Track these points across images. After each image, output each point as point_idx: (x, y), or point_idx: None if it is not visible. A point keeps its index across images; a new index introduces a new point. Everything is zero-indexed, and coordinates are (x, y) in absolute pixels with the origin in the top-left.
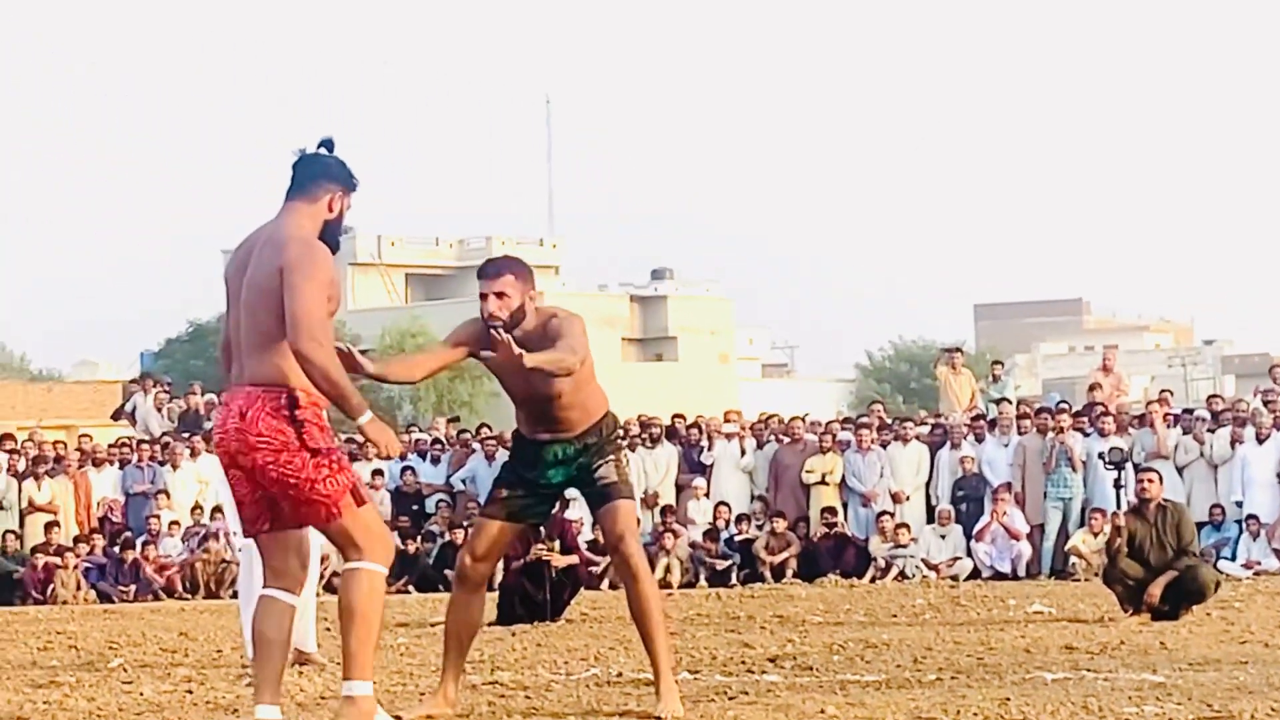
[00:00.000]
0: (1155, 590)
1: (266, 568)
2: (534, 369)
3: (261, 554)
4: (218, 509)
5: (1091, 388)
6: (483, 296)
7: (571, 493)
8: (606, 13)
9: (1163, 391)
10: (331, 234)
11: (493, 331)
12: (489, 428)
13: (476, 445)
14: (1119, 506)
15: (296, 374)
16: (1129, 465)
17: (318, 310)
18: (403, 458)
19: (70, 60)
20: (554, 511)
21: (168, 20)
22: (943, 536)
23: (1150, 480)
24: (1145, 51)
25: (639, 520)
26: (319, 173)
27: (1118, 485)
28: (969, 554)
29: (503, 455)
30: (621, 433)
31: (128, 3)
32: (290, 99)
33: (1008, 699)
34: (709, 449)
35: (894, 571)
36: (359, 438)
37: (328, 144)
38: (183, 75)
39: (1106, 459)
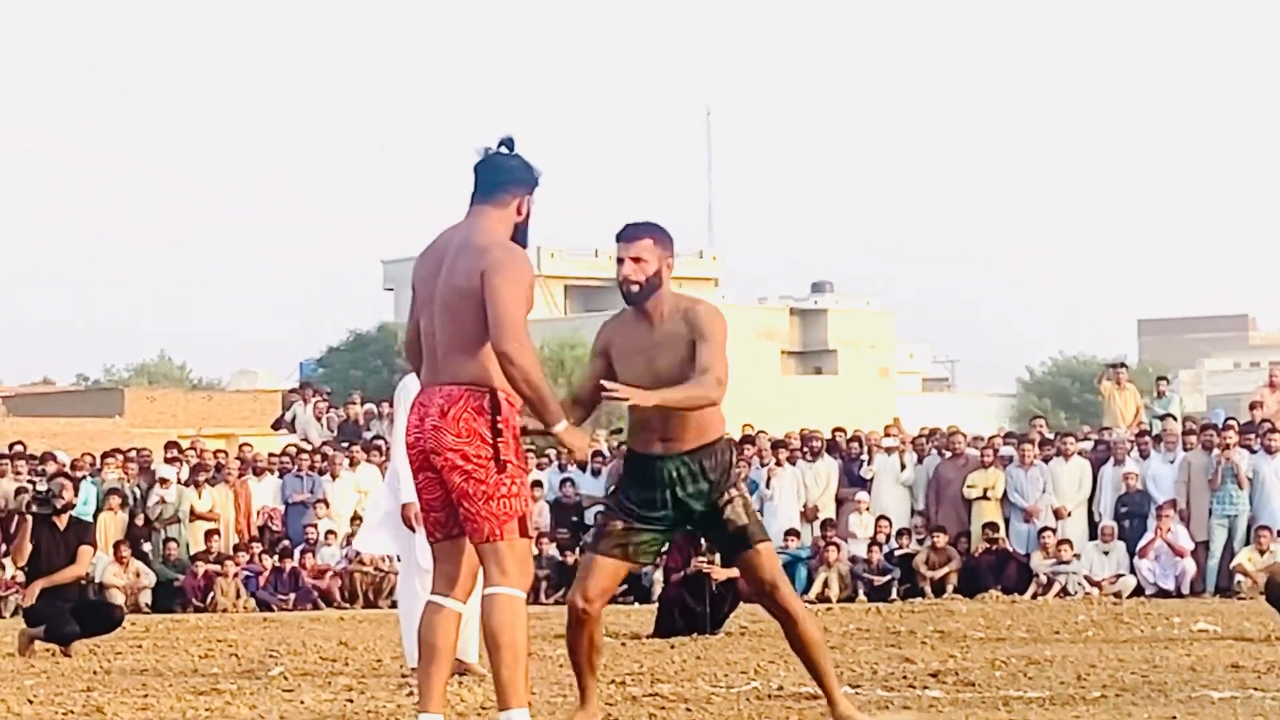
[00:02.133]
0: None
1: (439, 574)
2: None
3: (436, 560)
4: None
5: (1253, 406)
6: (619, 260)
7: None
8: (766, 24)
9: None
10: (521, 235)
11: (604, 390)
12: None
13: None
14: None
15: (499, 376)
16: None
17: (519, 313)
18: (562, 469)
19: (232, 71)
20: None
21: (328, 30)
22: (1106, 553)
23: None
24: None
25: (799, 533)
26: (506, 179)
27: None
28: (1132, 571)
29: None
30: (739, 465)
31: (299, 14)
32: (454, 108)
33: (1173, 717)
34: (869, 463)
35: (1056, 588)
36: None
37: (508, 143)
38: (347, 84)
39: None
